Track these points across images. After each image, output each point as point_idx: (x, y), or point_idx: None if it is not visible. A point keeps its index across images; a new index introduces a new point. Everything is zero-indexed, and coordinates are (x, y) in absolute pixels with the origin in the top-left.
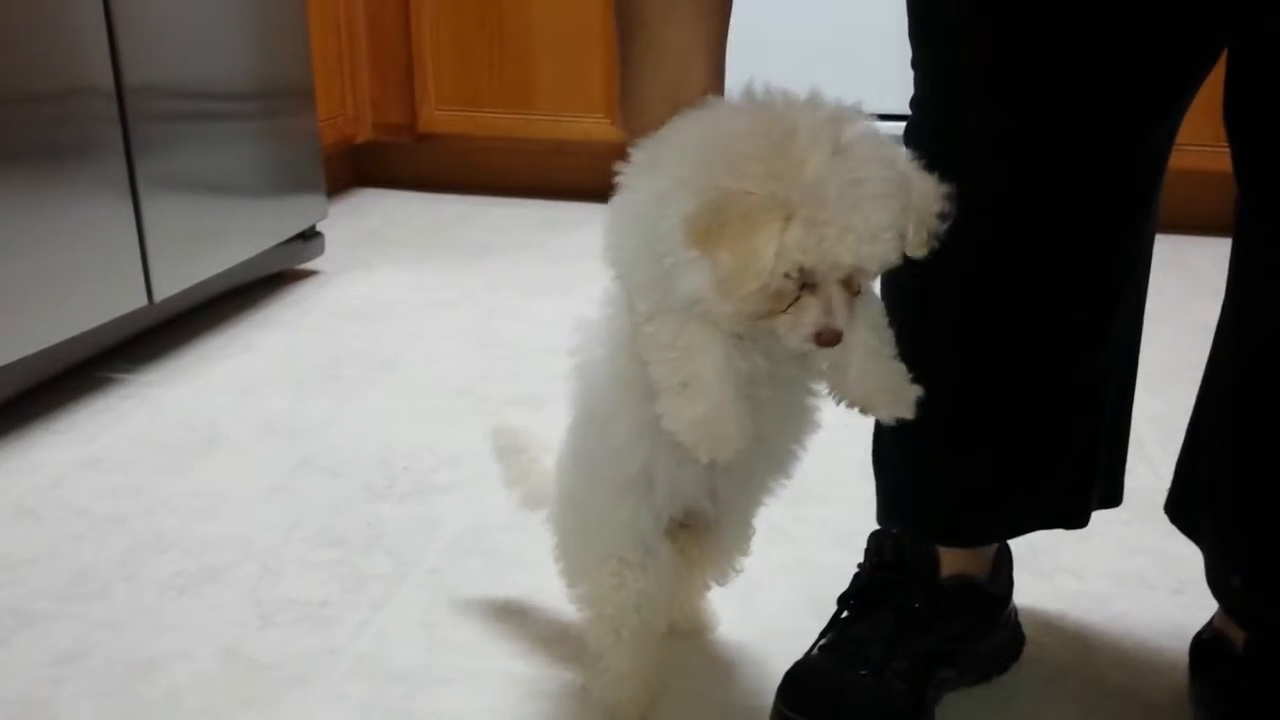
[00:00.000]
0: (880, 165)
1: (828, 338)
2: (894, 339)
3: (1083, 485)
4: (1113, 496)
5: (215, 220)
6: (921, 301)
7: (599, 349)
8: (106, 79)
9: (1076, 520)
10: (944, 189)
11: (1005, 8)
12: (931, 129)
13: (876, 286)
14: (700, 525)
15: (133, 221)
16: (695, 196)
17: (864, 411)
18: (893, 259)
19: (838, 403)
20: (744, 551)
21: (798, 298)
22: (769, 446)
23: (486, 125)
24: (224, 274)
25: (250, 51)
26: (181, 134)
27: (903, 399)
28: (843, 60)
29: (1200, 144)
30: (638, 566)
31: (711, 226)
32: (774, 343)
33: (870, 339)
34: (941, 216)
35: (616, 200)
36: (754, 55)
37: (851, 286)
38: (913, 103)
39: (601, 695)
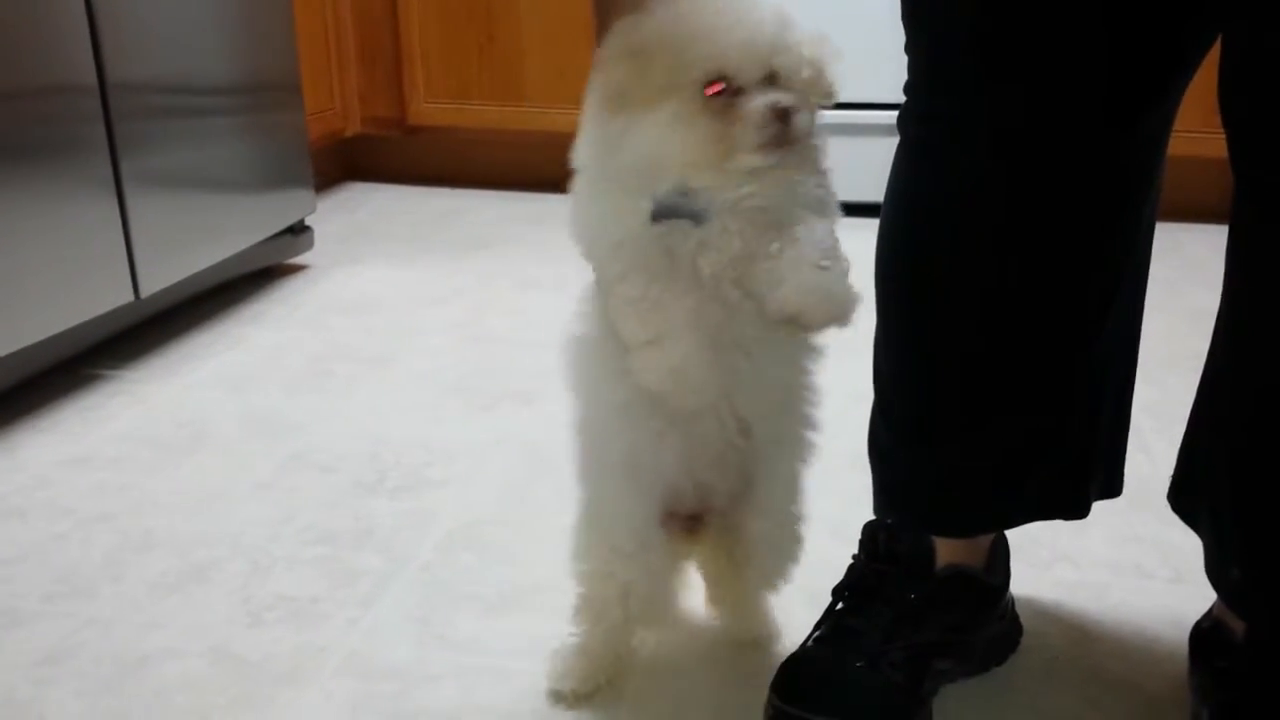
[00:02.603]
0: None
1: (780, 114)
2: (841, 263)
3: (1082, 475)
4: (1113, 487)
5: (202, 215)
6: (916, 286)
7: (580, 333)
8: (90, 75)
9: (1076, 510)
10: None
11: None
12: (924, 113)
13: (825, 216)
14: (725, 524)
15: (118, 217)
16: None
17: (797, 322)
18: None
19: (775, 319)
20: (790, 556)
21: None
22: (750, 426)
23: (476, 118)
24: (211, 269)
25: (235, 45)
26: (166, 130)
27: (839, 304)
28: (837, 46)
29: (1194, 130)
30: (629, 557)
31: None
32: (742, 294)
33: (807, 249)
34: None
35: (575, 182)
36: None
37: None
38: (906, 88)
39: (554, 669)
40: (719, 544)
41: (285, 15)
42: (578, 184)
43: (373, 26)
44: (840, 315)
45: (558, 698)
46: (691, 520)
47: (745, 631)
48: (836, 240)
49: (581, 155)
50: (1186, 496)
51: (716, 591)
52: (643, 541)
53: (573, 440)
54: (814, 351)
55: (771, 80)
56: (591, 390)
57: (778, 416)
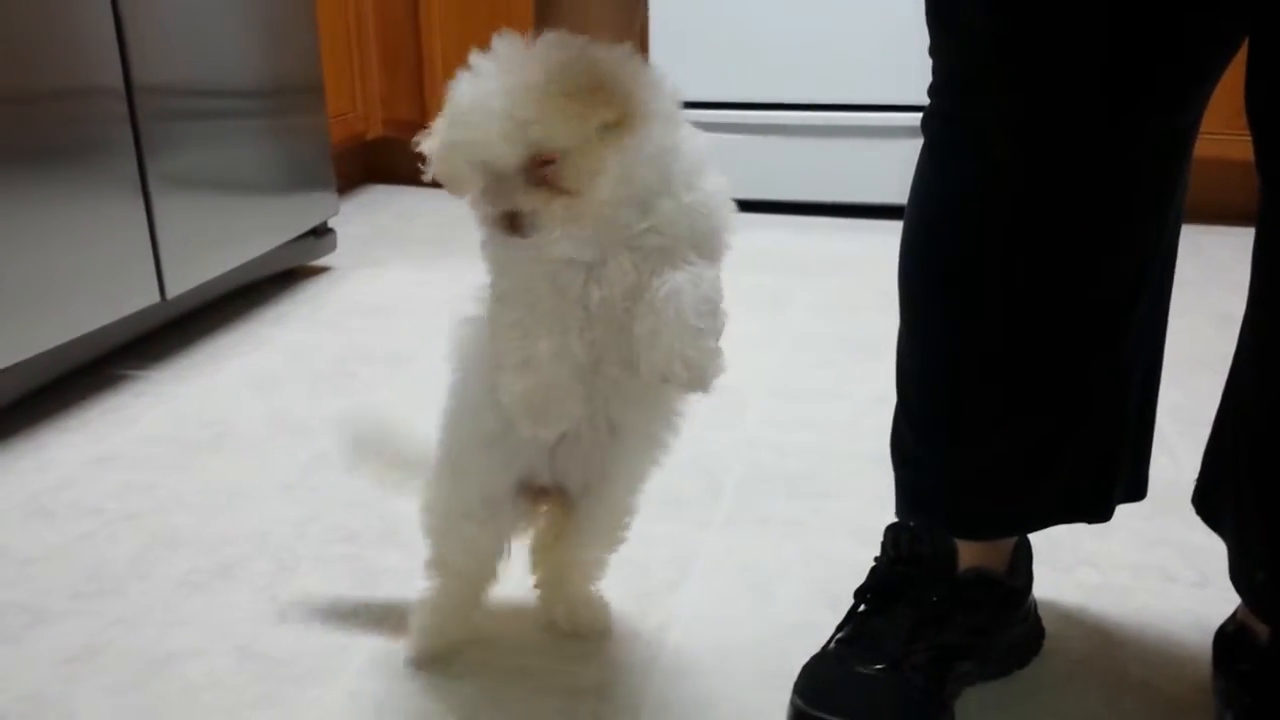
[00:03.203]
0: (509, 83)
1: (501, 220)
2: (718, 320)
3: (1106, 478)
4: (1137, 490)
5: (227, 217)
6: (938, 286)
7: (471, 315)
8: (116, 78)
9: (1099, 514)
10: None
11: None
12: (948, 115)
13: (712, 270)
14: (566, 499)
15: (144, 219)
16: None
17: (666, 383)
18: (505, 154)
19: (645, 376)
20: (616, 534)
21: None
22: (618, 427)
23: None
24: (236, 271)
25: (259, 49)
26: (192, 132)
27: (698, 373)
28: (863, 49)
29: (1219, 132)
30: (481, 523)
31: None
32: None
33: (676, 313)
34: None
35: None
36: (774, 44)
37: (544, 182)
38: (930, 90)
39: (416, 632)
40: (553, 519)
41: (308, 19)
42: None
43: (394, 29)
44: (705, 386)
45: (415, 658)
46: (541, 493)
47: (564, 616)
48: (720, 293)
49: None
50: (1211, 500)
51: (537, 562)
52: (495, 509)
53: (443, 399)
54: None
55: (535, 159)
56: (471, 371)
57: (648, 420)
